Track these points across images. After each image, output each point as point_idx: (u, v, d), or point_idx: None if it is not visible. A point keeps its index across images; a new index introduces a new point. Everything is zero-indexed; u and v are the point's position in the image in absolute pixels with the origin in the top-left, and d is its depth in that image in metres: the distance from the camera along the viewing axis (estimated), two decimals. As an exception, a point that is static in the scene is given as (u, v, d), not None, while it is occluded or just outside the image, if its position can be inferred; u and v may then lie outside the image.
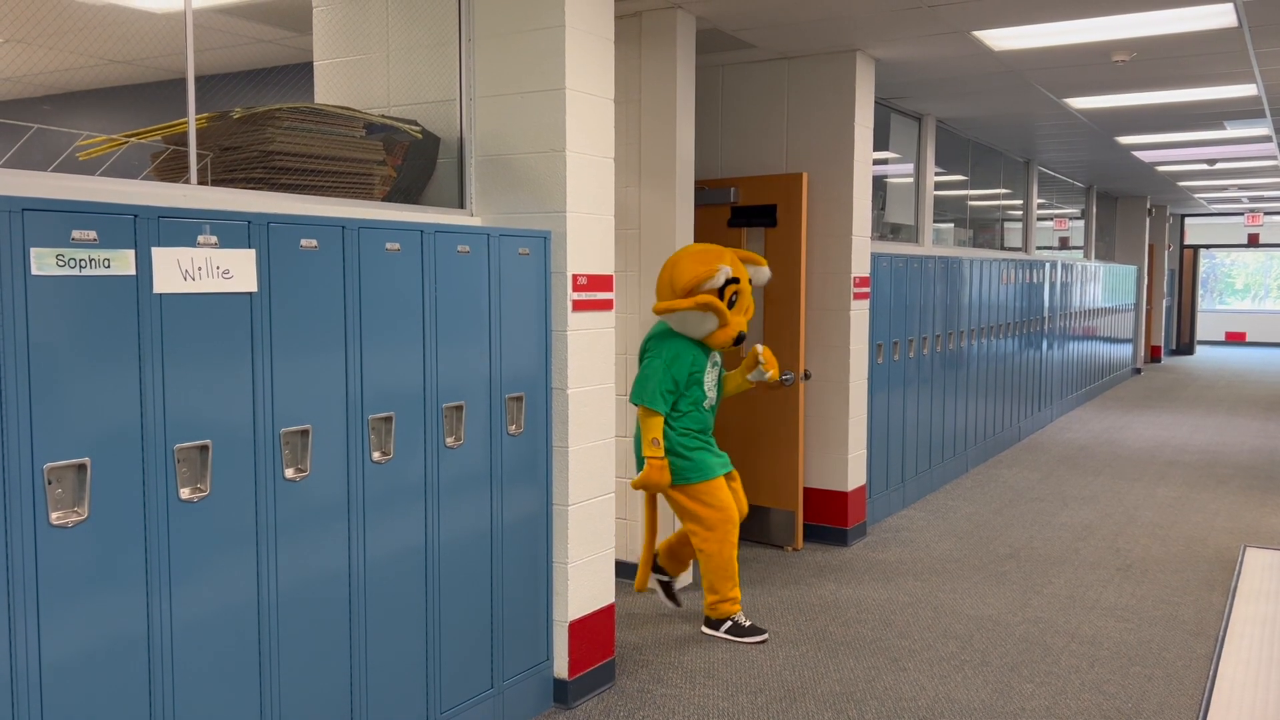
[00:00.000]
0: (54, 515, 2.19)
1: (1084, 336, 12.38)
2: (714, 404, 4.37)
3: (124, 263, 2.29)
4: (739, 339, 4.28)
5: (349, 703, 2.92)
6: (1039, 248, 11.32)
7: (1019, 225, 10.89)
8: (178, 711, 2.45)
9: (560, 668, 3.73)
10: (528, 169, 3.64)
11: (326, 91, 4.09)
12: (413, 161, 3.68)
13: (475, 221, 3.73)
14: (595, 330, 3.78)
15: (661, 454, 4.19)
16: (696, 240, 5.69)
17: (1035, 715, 3.69)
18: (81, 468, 2.24)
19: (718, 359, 4.40)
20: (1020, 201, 10.79)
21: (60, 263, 2.17)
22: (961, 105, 7.36)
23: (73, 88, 3.44)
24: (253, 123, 3.07)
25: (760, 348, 4.42)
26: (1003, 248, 10.38)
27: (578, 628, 3.75)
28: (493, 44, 3.67)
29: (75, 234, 2.20)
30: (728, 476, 4.43)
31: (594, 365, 3.78)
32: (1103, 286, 13.40)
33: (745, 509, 4.49)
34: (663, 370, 4.20)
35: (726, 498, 4.32)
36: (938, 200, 8.18)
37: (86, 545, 2.25)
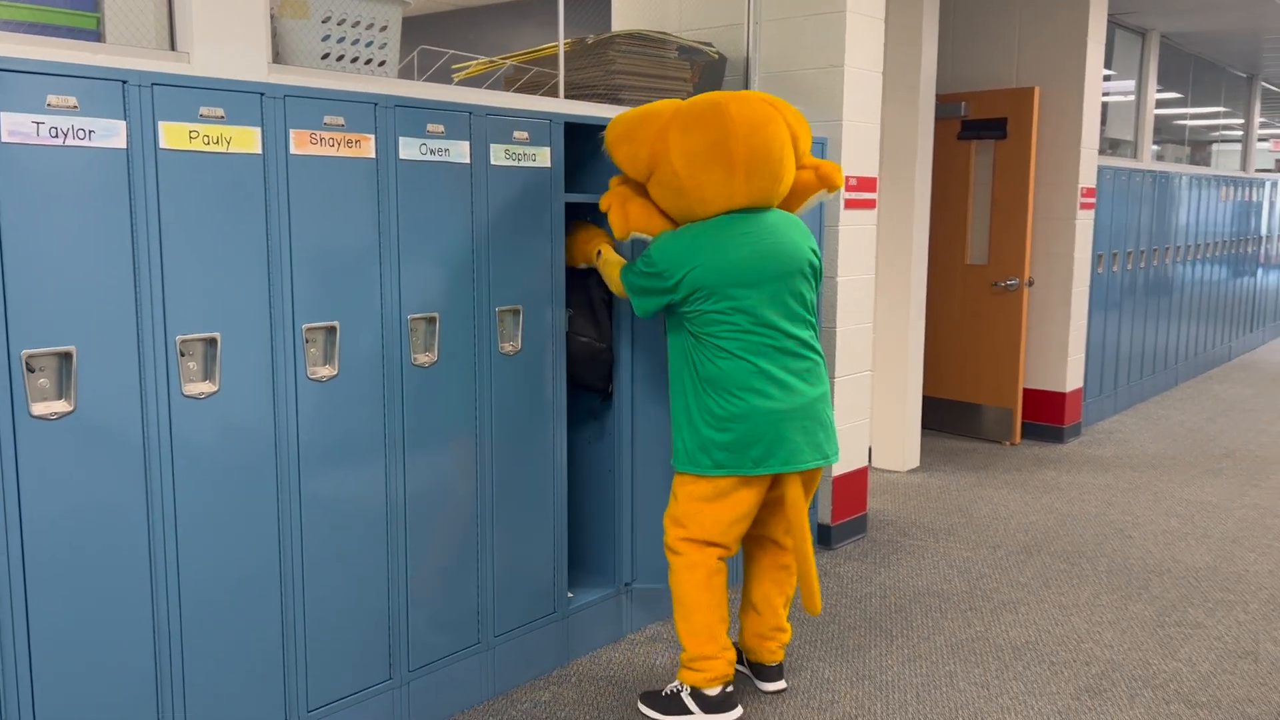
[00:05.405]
0: (416, 358, 2.77)
1: (1303, 260, 11.98)
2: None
3: (460, 151, 2.84)
4: None
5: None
6: (1258, 170, 11.01)
7: (1234, 146, 10.63)
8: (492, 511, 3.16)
9: (824, 514, 4.36)
10: (808, 83, 4.18)
11: (623, 18, 4.71)
12: (707, 79, 4.27)
13: (758, 131, 4.29)
14: (861, 226, 4.32)
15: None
16: (935, 156, 5.99)
17: (1259, 577, 4.09)
18: (432, 320, 2.80)
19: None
20: (1240, 120, 10.52)
21: (422, 151, 2.74)
22: (1190, 20, 7.36)
23: (479, 3, 4.08)
24: (599, 47, 3.71)
25: None
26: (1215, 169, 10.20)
27: (839, 483, 4.36)
28: (778, -27, 4.19)
29: (430, 126, 2.75)
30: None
31: (859, 257, 4.32)
32: (1326, 209, 12.83)
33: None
34: None
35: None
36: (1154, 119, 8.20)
37: (437, 383, 2.81)
